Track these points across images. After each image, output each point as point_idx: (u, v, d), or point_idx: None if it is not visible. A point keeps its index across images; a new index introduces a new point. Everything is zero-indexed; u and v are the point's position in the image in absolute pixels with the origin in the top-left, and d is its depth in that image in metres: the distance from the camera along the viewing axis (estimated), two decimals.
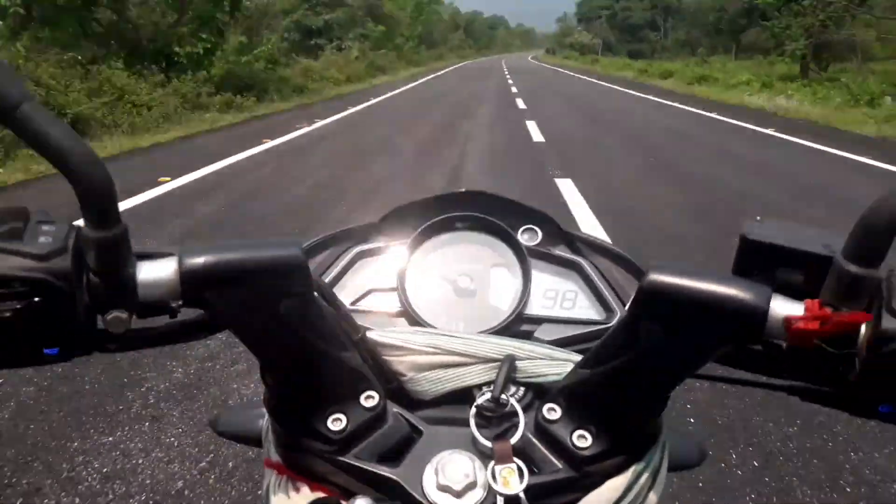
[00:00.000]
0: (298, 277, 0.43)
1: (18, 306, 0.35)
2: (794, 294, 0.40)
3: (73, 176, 0.36)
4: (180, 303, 0.43)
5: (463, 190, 0.64)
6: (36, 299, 0.36)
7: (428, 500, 0.44)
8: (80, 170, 0.36)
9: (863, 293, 0.38)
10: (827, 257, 0.40)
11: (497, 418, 0.49)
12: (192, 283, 0.41)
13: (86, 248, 0.38)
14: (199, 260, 0.41)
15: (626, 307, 0.44)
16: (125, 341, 0.42)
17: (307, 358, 0.46)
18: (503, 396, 0.49)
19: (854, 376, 0.39)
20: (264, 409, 0.56)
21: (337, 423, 0.47)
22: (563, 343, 0.56)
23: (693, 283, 0.40)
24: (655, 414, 0.47)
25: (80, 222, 0.39)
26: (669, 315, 0.41)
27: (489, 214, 0.62)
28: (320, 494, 0.48)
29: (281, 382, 0.47)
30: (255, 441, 0.67)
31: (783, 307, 0.39)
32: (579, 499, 0.47)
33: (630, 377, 0.44)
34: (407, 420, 0.49)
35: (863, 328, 0.37)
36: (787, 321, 0.38)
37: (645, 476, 0.48)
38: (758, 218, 0.44)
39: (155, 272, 0.40)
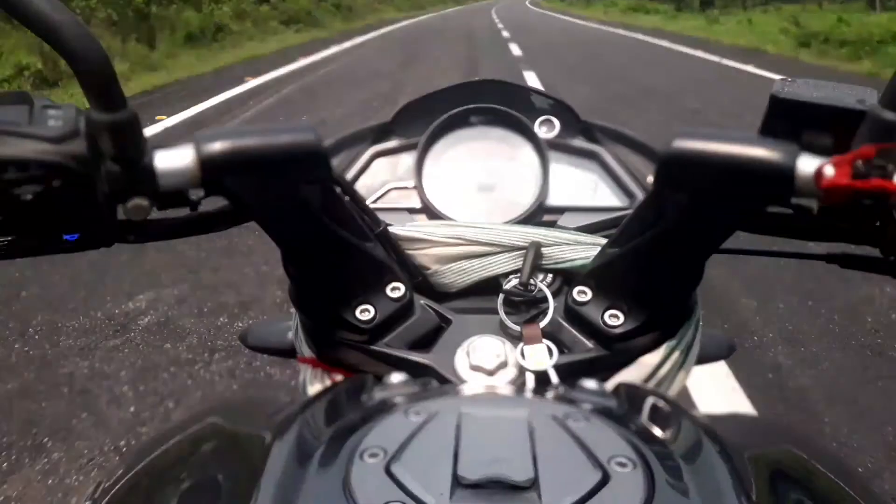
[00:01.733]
0: (316, 163, 0.42)
1: (38, 189, 0.35)
2: (824, 153, 0.39)
3: (68, 52, 0.34)
4: (201, 194, 0.42)
5: (477, 79, 0.63)
6: (55, 183, 0.35)
7: (461, 380, 0.44)
8: (74, 46, 0.34)
9: None
10: (860, 112, 0.38)
11: (526, 304, 0.49)
12: (211, 169, 0.40)
13: (97, 133, 0.37)
14: (217, 145, 0.40)
15: (650, 179, 0.43)
16: (146, 231, 0.42)
17: (329, 247, 0.45)
18: (531, 282, 0.49)
19: (893, 231, 0.38)
20: (293, 318, 0.56)
21: (365, 313, 0.47)
22: (587, 230, 0.56)
23: (715, 146, 0.39)
24: (690, 287, 0.46)
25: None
26: (694, 181, 0.40)
27: (505, 105, 0.61)
28: None
29: (304, 272, 0.47)
30: (285, 352, 0.67)
31: (812, 164, 0.38)
32: (610, 376, 0.47)
33: (660, 251, 0.44)
34: (435, 310, 0.49)
35: None
36: (819, 177, 0.37)
37: (677, 353, 0.48)
38: (788, 78, 0.42)
39: (173, 159, 0.39)
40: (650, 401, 0.38)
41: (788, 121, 0.41)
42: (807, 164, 0.38)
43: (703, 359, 0.66)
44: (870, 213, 0.38)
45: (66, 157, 0.35)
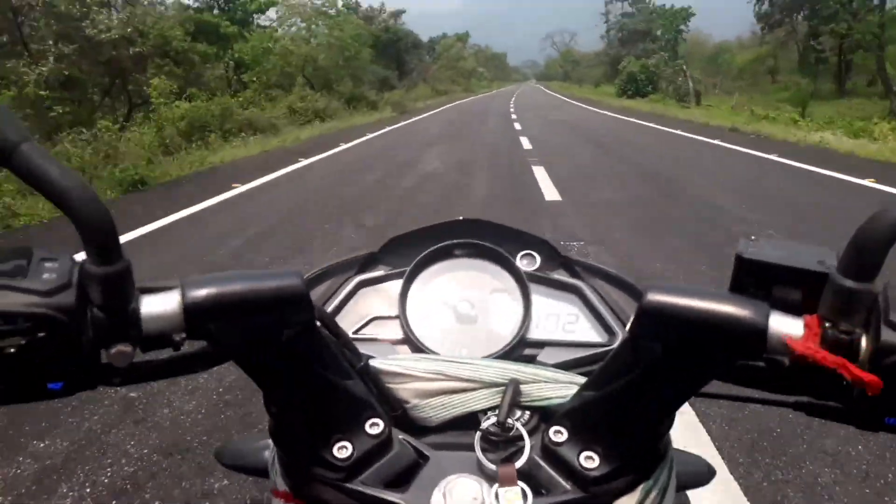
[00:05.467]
0: (300, 308, 0.43)
1: (23, 342, 0.36)
2: (792, 310, 0.40)
3: (74, 214, 0.37)
4: (184, 335, 0.43)
5: (461, 218, 0.65)
6: (40, 335, 0.36)
7: None
8: (80, 208, 0.37)
9: (860, 307, 0.38)
10: (823, 273, 0.40)
11: (503, 442, 0.49)
12: (195, 316, 0.41)
13: (89, 284, 0.38)
14: (202, 292, 0.41)
15: (627, 328, 0.44)
16: (129, 374, 0.42)
17: (310, 387, 0.46)
18: (508, 420, 0.49)
19: (857, 390, 0.39)
20: (269, 441, 0.56)
21: (343, 450, 0.47)
22: (566, 366, 0.56)
23: (691, 302, 0.41)
24: (662, 432, 0.47)
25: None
26: (669, 334, 0.42)
27: (487, 241, 0.63)
28: None
29: (285, 412, 0.47)
30: (260, 472, 0.66)
31: (783, 324, 0.39)
32: None
33: (635, 397, 0.44)
34: (413, 446, 0.49)
35: (863, 342, 0.38)
36: (788, 338, 0.39)
37: (653, 495, 0.48)
38: (752, 237, 0.44)
39: (158, 305, 0.41)
40: None
41: (757, 278, 0.42)
42: (778, 325, 0.39)
43: (684, 486, 0.65)
44: (834, 373, 0.39)
45: (54, 308, 0.36)
